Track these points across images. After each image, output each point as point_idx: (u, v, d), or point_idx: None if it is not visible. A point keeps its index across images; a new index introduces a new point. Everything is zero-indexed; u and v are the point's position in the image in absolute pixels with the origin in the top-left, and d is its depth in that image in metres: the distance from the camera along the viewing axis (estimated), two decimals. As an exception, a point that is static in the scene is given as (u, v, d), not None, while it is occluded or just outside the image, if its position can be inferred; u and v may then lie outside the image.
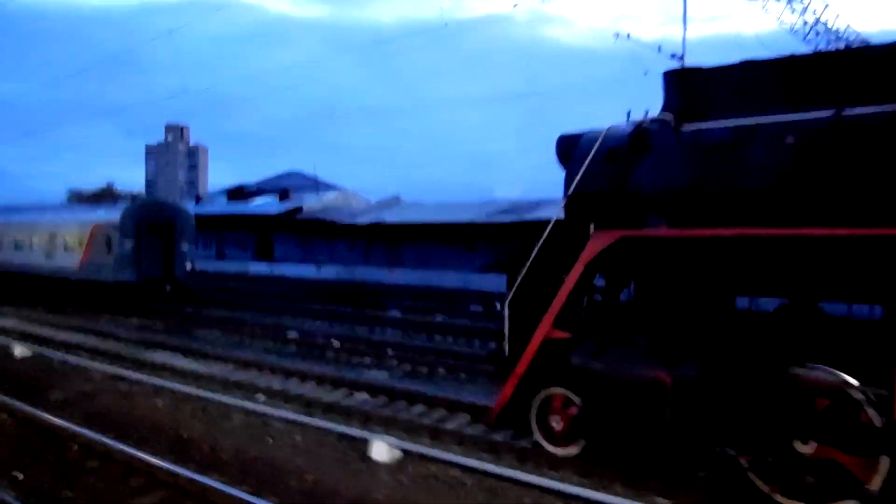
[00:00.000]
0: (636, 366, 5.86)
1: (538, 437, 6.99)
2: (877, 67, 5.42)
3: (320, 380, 10.90)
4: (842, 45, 19.11)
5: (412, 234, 33.59)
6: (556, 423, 6.83)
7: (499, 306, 23.21)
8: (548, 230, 6.84)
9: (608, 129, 6.60)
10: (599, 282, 7.08)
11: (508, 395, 6.82)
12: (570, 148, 7.12)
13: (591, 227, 6.21)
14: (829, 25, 19.43)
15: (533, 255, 6.86)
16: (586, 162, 6.48)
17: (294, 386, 10.79)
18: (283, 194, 42.44)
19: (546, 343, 6.48)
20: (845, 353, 5.40)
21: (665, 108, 6.66)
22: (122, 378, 10.64)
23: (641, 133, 6.41)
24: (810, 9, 18.88)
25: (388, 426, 8.38)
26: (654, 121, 6.41)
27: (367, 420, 8.65)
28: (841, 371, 5.24)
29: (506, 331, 7.09)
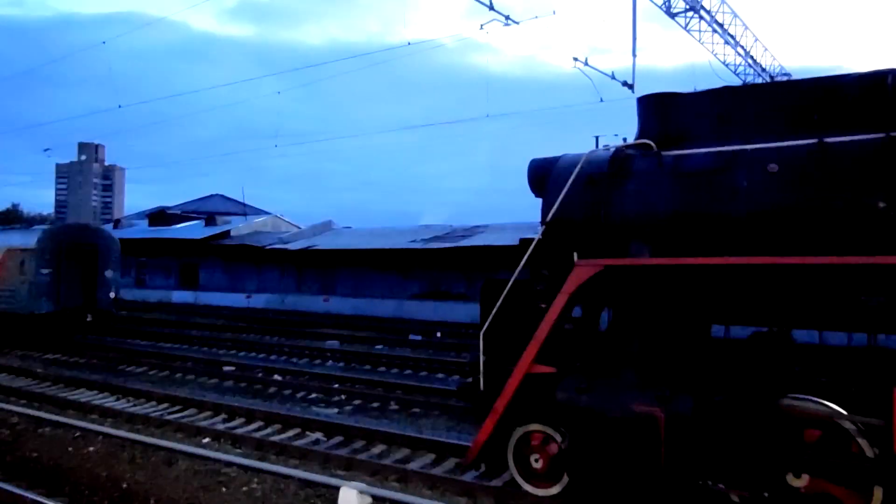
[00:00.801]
0: (627, 401, 5.64)
1: (517, 476, 6.66)
2: (858, 96, 5.50)
3: (268, 418, 10.21)
4: (767, 79, 20.16)
5: (346, 261, 32.90)
6: (536, 462, 6.53)
7: (439, 335, 23.06)
8: (524, 259, 6.59)
9: (588, 154, 6.45)
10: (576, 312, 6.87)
11: (488, 433, 6.48)
12: (543, 173, 6.95)
13: (575, 256, 6.00)
14: (756, 60, 20.44)
15: (509, 284, 6.58)
16: (565, 188, 6.30)
17: (240, 426, 10.06)
18: (210, 219, 40.85)
19: (527, 378, 6.19)
20: (831, 383, 5.37)
21: (641, 135, 6.59)
22: (44, 422, 9.64)
23: (622, 159, 6.29)
24: (743, 43, 19.77)
25: (351, 469, 7.86)
26: (634, 146, 6.31)
27: (327, 462, 8.09)
28: (828, 401, 5.19)
29: (481, 364, 6.77)
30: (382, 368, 16.16)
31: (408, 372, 15.69)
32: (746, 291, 5.52)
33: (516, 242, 28.14)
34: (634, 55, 14.58)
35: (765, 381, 5.39)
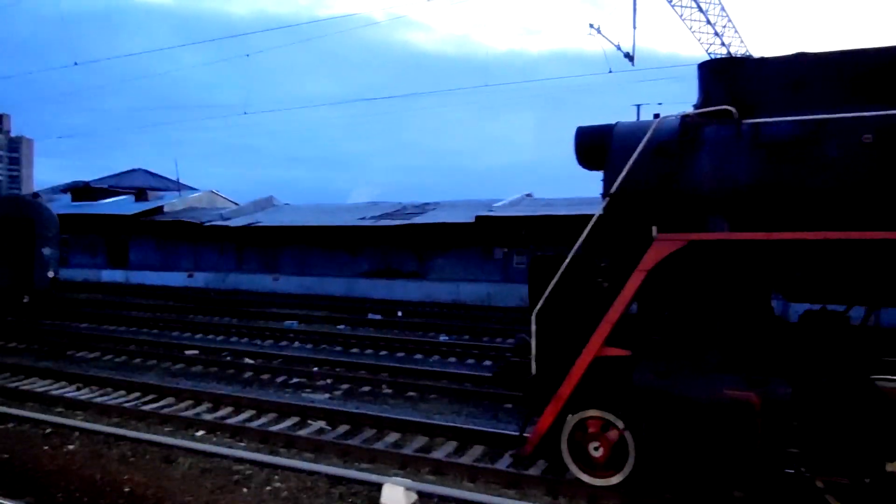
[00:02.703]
0: (715, 385, 5.28)
1: (573, 466, 6.23)
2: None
3: (259, 407, 9.41)
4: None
5: (291, 238, 31.66)
6: (596, 451, 6.11)
7: (400, 314, 22.46)
8: (585, 233, 6.10)
9: (657, 121, 5.99)
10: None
11: (549, 421, 6.00)
12: (600, 142, 6.45)
13: (654, 230, 5.56)
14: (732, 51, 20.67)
15: (567, 260, 6.09)
16: (633, 157, 5.83)
17: (229, 416, 9.23)
18: (140, 194, 38.46)
19: (597, 361, 5.75)
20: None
21: (705, 103, 6.18)
22: (4, 417, 8.52)
23: (696, 127, 5.87)
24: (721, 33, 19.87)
25: (376, 462, 7.24)
26: (709, 113, 5.89)
27: (347, 455, 7.43)
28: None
29: (533, 347, 6.27)
30: (355, 350, 15.45)
31: (383, 353, 15.06)
32: (835, 268, 5.23)
33: (471, 220, 27.83)
34: (635, 27, 14.27)
35: (858, 363, 5.14)
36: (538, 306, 6.22)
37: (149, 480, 6.53)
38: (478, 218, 26.96)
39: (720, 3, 18.54)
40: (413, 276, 29.61)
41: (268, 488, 6.32)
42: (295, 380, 11.75)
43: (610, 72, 16.75)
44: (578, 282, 6.09)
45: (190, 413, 9.31)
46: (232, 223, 32.34)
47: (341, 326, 19.71)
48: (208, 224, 32.45)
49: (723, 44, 19.92)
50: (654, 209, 5.83)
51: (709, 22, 18.53)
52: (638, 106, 7.43)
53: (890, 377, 5.08)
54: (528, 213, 27.27)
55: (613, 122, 6.65)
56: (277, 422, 8.95)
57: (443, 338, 17.60)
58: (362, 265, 31.20)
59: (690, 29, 17.99)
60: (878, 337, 5.81)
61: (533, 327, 6.26)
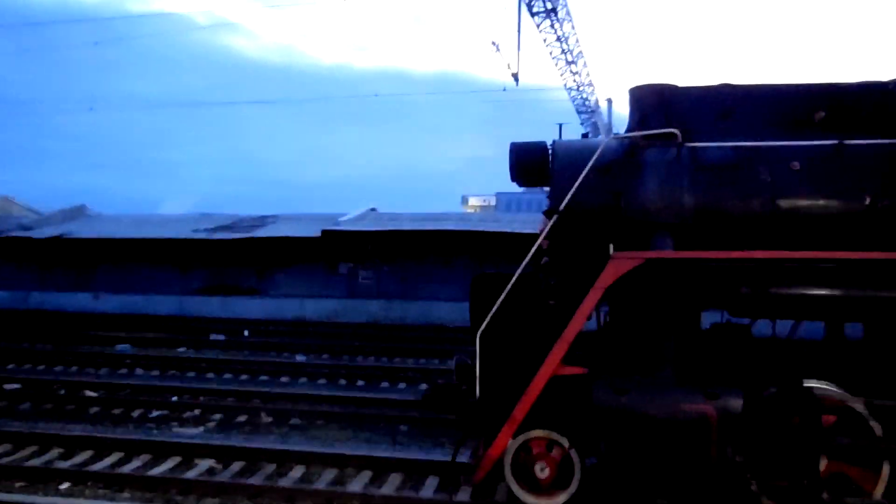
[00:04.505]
0: (672, 400, 5.39)
1: (517, 489, 6.05)
2: (861, 102, 5.89)
3: (127, 448, 8.13)
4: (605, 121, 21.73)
5: (111, 252, 28.50)
6: (542, 471, 5.99)
7: (247, 333, 21.04)
8: (531, 253, 5.99)
9: (605, 142, 6.06)
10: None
11: (504, 445, 5.77)
12: (539, 159, 6.42)
13: (611, 248, 5.58)
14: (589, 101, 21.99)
15: (514, 279, 5.94)
16: (581, 176, 5.84)
17: (90, 461, 7.87)
18: None
19: (551, 381, 5.63)
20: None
21: (640, 126, 6.37)
22: None
23: (640, 148, 6.02)
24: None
25: (294, 501, 6.53)
26: (652, 136, 6.06)
27: (257, 497, 6.63)
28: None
29: (477, 369, 6.03)
30: (210, 374, 14.15)
31: (244, 377, 13.94)
32: (775, 284, 5.57)
33: (317, 233, 26.91)
34: (519, 48, 14.58)
35: (797, 370, 5.52)
36: (482, 327, 5.99)
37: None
38: (324, 232, 26.13)
39: (576, 34, 19.85)
40: (252, 293, 27.97)
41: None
42: (155, 412, 10.41)
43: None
44: (527, 301, 5.95)
45: (36, 461, 7.82)
46: (35, 234, 28.41)
47: (182, 349, 18.01)
48: (7, 235, 28.21)
49: (573, 77, 21.31)
50: (602, 227, 5.88)
51: (563, 52, 19.70)
52: (560, 125, 7.59)
53: (820, 384, 5.52)
54: (374, 227, 26.94)
55: (541, 139, 6.67)
56: (152, 464, 7.79)
57: (299, 357, 16.72)
58: (193, 282, 28.87)
59: (551, 54, 19.00)
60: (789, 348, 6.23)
61: (477, 348, 6.01)
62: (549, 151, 6.42)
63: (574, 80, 21.70)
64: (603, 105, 25.99)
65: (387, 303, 25.67)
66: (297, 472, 7.54)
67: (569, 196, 5.87)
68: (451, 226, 26.49)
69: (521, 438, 6.01)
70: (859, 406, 5.52)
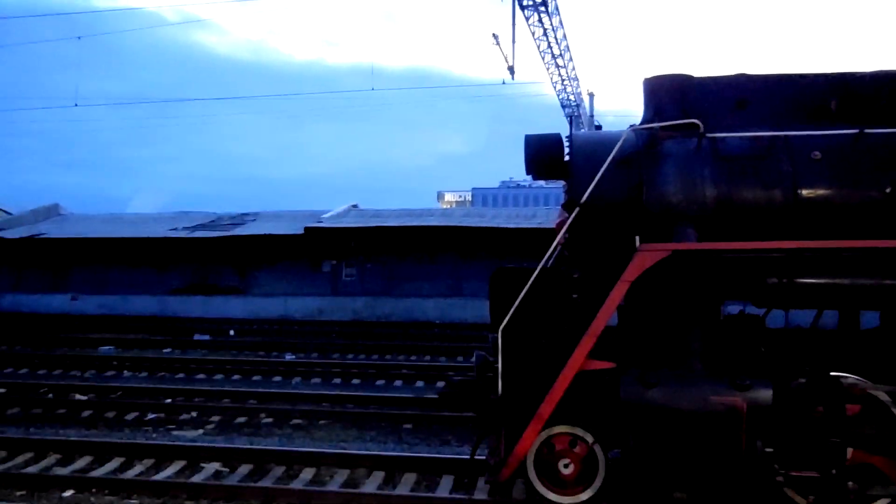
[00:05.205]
0: (704, 392, 5.35)
1: (540, 487, 5.99)
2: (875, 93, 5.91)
3: (131, 453, 7.90)
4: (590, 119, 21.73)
5: (87, 252, 27.85)
6: (566, 468, 5.93)
7: (232, 332, 20.72)
8: (553, 247, 5.92)
9: (624, 133, 5.99)
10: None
11: (530, 443, 5.68)
12: (556, 152, 6.32)
13: (637, 240, 5.51)
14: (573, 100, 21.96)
15: (536, 272, 5.86)
16: (602, 169, 5.77)
17: (90, 467, 7.62)
18: None
19: (578, 376, 5.56)
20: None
21: (655, 117, 6.31)
22: None
23: (659, 139, 5.96)
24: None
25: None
26: (672, 127, 6.00)
27: (270, 501, 6.47)
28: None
29: (500, 365, 5.93)
30: (201, 375, 13.89)
31: (235, 377, 13.71)
32: (802, 275, 5.56)
33: (300, 231, 26.57)
34: (514, 42, 14.47)
35: (822, 361, 5.52)
36: (504, 322, 5.90)
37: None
38: (307, 229, 25.83)
39: (563, 28, 19.84)
40: (234, 292, 27.56)
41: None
42: (151, 415, 10.15)
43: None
44: (551, 295, 5.87)
45: (32, 468, 7.55)
46: (7, 235, 27.66)
47: (167, 350, 17.68)
48: (-25, 236, 27.42)
49: (559, 71, 21.29)
50: (624, 220, 5.82)
51: (550, 46, 19.68)
52: (570, 118, 7.45)
53: (847, 375, 5.52)
54: (357, 224, 26.71)
55: (557, 132, 6.58)
56: (155, 468, 7.56)
57: (288, 357, 16.50)
58: (172, 281, 28.36)
59: (539, 48, 18.96)
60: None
61: (500, 344, 5.92)
62: (566, 144, 6.34)
63: (559, 75, 21.77)
64: (585, 99, 26.18)
65: (371, 300, 25.47)
66: (308, 473, 7.38)
67: (590, 189, 5.79)
68: (435, 221, 26.39)
69: (544, 435, 5.94)
70: (883, 395, 5.55)
